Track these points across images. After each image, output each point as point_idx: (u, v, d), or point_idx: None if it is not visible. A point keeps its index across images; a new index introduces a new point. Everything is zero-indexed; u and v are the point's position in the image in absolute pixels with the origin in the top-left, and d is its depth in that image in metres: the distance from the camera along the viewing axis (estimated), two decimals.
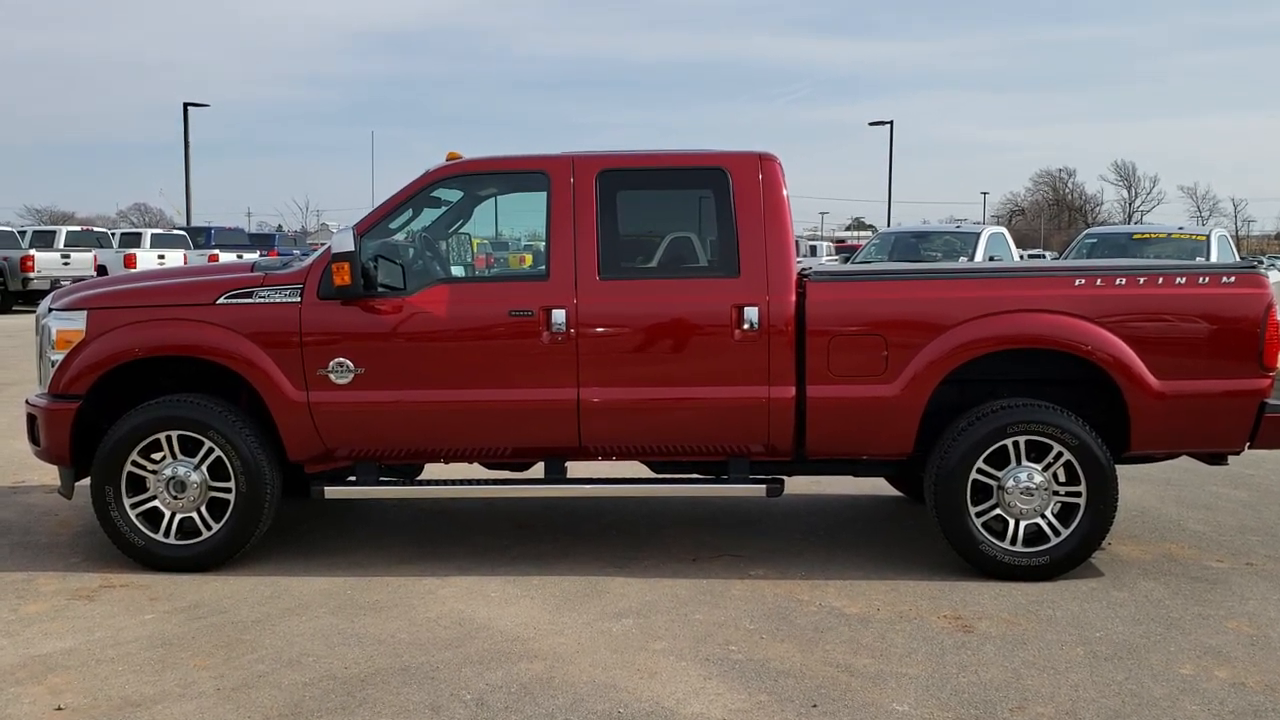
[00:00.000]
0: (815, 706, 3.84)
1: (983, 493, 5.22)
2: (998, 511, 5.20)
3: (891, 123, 45.67)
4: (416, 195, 5.49)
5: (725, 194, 5.33)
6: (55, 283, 22.47)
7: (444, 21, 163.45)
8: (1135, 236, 14.16)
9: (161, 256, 26.48)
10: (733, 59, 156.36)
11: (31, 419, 5.48)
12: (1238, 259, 15.11)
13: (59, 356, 5.35)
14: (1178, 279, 5.20)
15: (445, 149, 5.76)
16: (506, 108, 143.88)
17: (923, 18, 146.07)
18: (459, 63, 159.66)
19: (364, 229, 5.31)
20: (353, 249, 5.08)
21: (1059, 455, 5.13)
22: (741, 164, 5.37)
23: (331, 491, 5.44)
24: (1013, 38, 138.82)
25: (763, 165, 5.37)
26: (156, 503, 5.31)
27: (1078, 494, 5.15)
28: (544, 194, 5.35)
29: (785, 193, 5.37)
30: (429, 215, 5.79)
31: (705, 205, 5.48)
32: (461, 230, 6.02)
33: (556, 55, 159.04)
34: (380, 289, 5.19)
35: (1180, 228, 15.25)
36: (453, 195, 5.80)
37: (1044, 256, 42.81)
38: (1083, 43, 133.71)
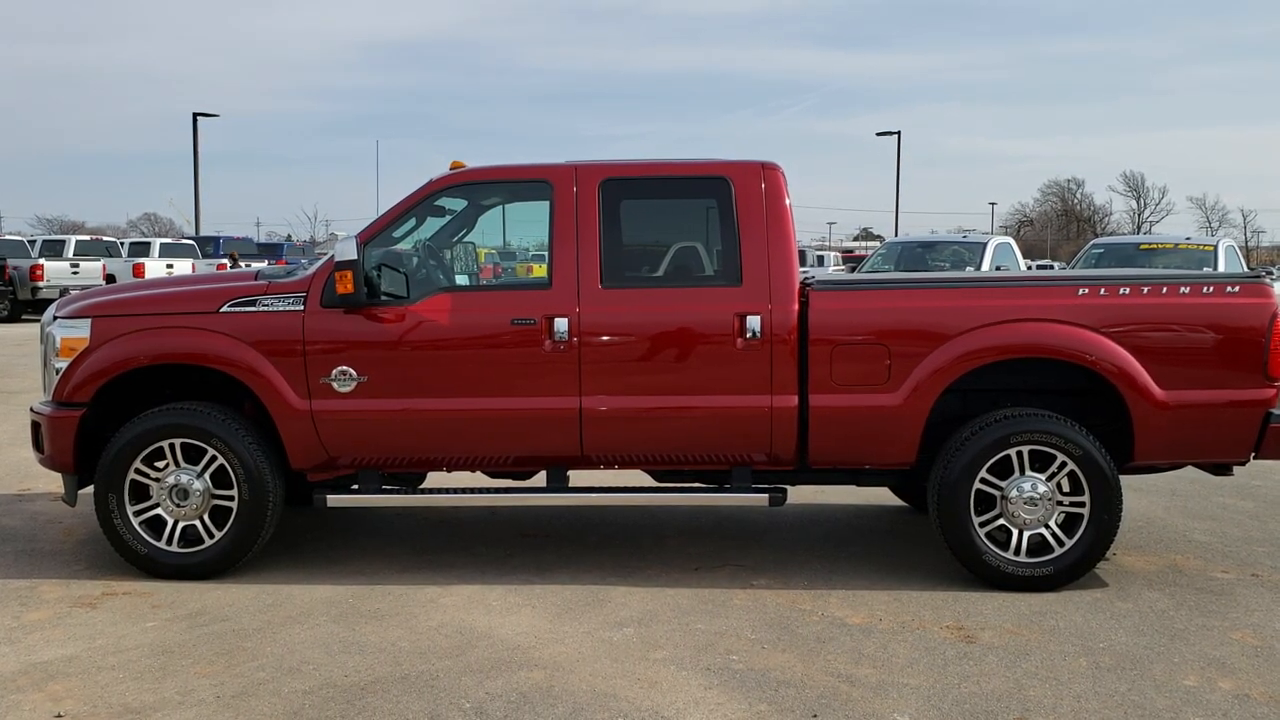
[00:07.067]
0: (816, 717, 3.82)
1: (986, 503, 5.20)
2: (1001, 521, 5.18)
3: (899, 133, 45.85)
4: (420, 204, 5.50)
5: (728, 203, 5.32)
6: (64, 292, 22.32)
7: (453, 35, 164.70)
8: (1142, 247, 14.09)
9: (170, 266, 26.62)
10: (741, 71, 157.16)
11: (36, 426, 5.50)
12: (1245, 269, 15.04)
13: (63, 364, 5.37)
14: (1182, 288, 5.18)
15: (453, 161, 5.77)
16: (515, 120, 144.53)
17: (931, 30, 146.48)
18: (468, 76, 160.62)
19: (367, 238, 5.32)
20: (356, 257, 5.09)
21: (1063, 465, 5.11)
22: (744, 173, 5.36)
23: (334, 500, 5.45)
24: (1022, 49, 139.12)
25: (765, 174, 5.37)
26: (159, 510, 5.32)
27: (1082, 504, 5.13)
28: (547, 203, 5.36)
29: (788, 202, 5.37)
30: (433, 224, 5.80)
31: (708, 214, 5.48)
32: (465, 239, 6.03)
33: (565, 68, 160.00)
34: (383, 297, 5.20)
35: (1188, 238, 15.18)
36: (456, 204, 5.81)
37: (1052, 267, 42.68)
38: (1092, 54, 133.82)
